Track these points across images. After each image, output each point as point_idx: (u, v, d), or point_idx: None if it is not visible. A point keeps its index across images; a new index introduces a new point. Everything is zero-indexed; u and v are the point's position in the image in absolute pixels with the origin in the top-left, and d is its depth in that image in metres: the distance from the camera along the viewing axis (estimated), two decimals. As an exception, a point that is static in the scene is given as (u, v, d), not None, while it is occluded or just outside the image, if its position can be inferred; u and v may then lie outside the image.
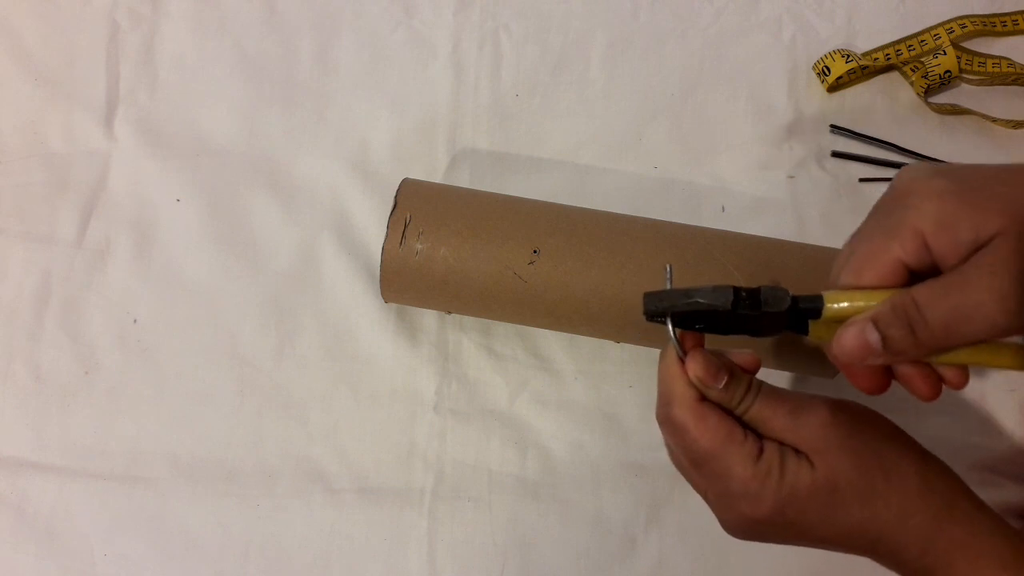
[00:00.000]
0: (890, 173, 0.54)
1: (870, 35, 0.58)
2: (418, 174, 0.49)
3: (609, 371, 0.50)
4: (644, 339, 0.47)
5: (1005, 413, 0.49)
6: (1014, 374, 0.50)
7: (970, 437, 0.49)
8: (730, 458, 0.31)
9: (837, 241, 0.49)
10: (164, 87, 0.56)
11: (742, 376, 0.32)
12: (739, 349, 0.34)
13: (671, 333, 0.32)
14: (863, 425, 0.33)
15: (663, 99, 0.57)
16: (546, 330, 0.50)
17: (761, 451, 0.31)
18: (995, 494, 0.48)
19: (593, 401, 0.50)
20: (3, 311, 0.51)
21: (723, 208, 0.54)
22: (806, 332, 0.31)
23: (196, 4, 0.58)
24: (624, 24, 0.58)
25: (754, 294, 0.31)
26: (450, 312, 0.49)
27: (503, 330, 0.51)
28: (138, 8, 0.58)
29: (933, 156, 0.54)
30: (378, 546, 0.47)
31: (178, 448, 0.48)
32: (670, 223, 0.46)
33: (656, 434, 0.49)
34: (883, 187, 0.54)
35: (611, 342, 0.50)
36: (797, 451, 0.31)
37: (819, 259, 0.45)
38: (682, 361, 0.32)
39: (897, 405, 0.50)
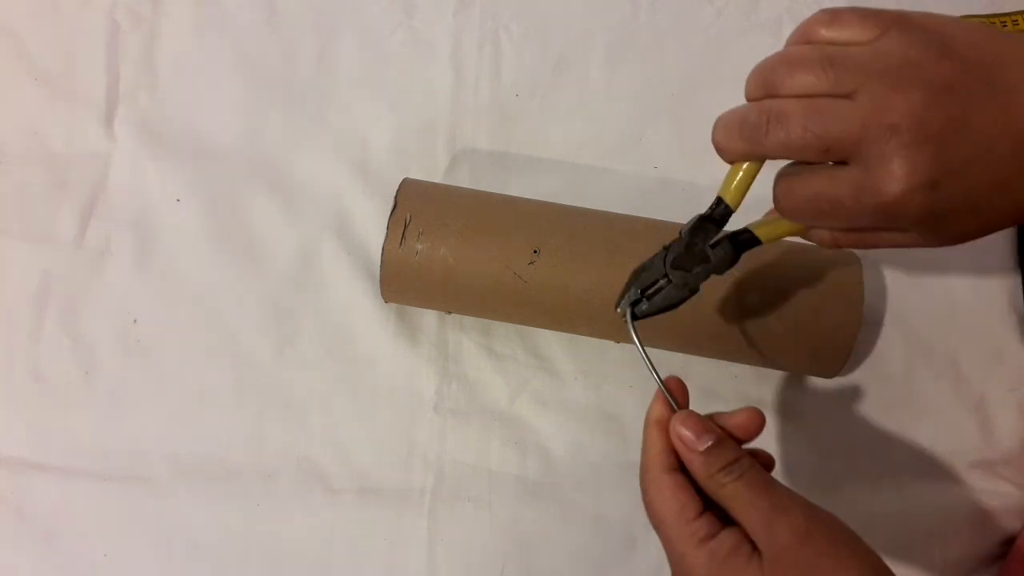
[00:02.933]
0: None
1: (870, 35, 0.58)
2: (418, 174, 0.49)
3: (609, 371, 0.50)
4: (644, 339, 0.47)
5: (1005, 413, 0.49)
6: (1014, 374, 0.50)
7: (970, 437, 0.49)
8: (674, 531, 0.31)
9: (837, 241, 0.49)
10: (164, 87, 0.56)
11: (728, 448, 0.31)
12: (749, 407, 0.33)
13: (633, 334, 0.34)
14: (837, 548, 0.29)
15: (663, 99, 0.57)
16: (546, 330, 0.50)
17: (712, 535, 0.30)
18: (995, 494, 0.48)
19: (593, 401, 0.50)
20: (3, 311, 0.51)
21: (723, 208, 0.54)
22: (759, 243, 0.33)
23: (196, 4, 0.58)
24: (624, 24, 0.58)
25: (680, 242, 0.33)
26: (450, 312, 0.49)
27: (503, 330, 0.51)
28: (138, 8, 0.58)
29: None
30: (378, 546, 0.47)
31: (178, 448, 0.48)
32: (670, 223, 0.46)
33: (656, 434, 0.49)
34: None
35: (611, 342, 0.50)
36: (755, 547, 0.30)
37: (819, 259, 0.45)
38: (672, 410, 0.33)
39: (897, 404, 0.50)
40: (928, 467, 0.49)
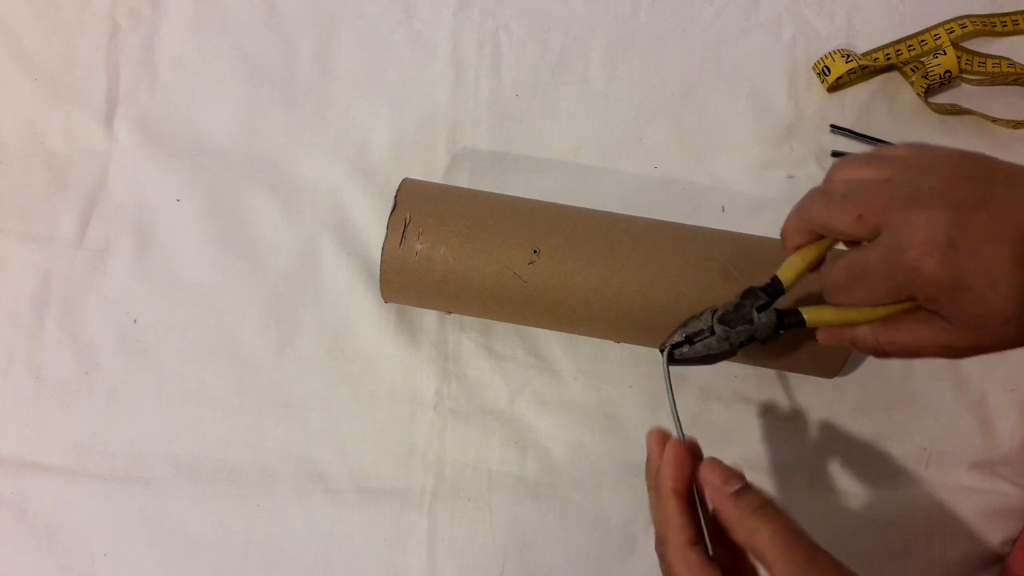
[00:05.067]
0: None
1: (870, 35, 0.58)
2: (418, 174, 0.49)
3: (609, 371, 0.50)
4: (644, 339, 0.47)
5: (1005, 413, 0.49)
6: (1014, 374, 0.50)
7: (970, 437, 0.49)
8: None
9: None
10: (164, 87, 0.56)
11: (755, 492, 0.31)
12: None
13: (665, 374, 0.36)
14: None
15: (663, 99, 0.57)
16: (546, 330, 0.50)
17: None
18: (995, 494, 0.48)
19: (593, 401, 0.50)
20: (3, 311, 0.51)
21: (723, 208, 0.54)
22: (803, 324, 0.35)
23: (196, 4, 0.58)
24: (624, 24, 0.58)
25: (733, 308, 0.36)
26: (450, 312, 0.49)
27: (503, 330, 0.51)
28: (138, 8, 0.58)
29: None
30: (378, 546, 0.47)
31: (178, 448, 0.48)
32: (670, 223, 0.46)
33: (656, 434, 0.49)
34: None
35: (611, 342, 0.50)
36: None
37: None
38: (684, 487, 0.33)
39: (897, 404, 0.50)
40: (928, 467, 0.49)
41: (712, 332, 0.36)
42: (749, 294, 0.36)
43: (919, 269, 0.29)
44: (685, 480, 0.33)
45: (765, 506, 0.31)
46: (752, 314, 0.35)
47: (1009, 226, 0.29)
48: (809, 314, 0.35)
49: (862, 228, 0.31)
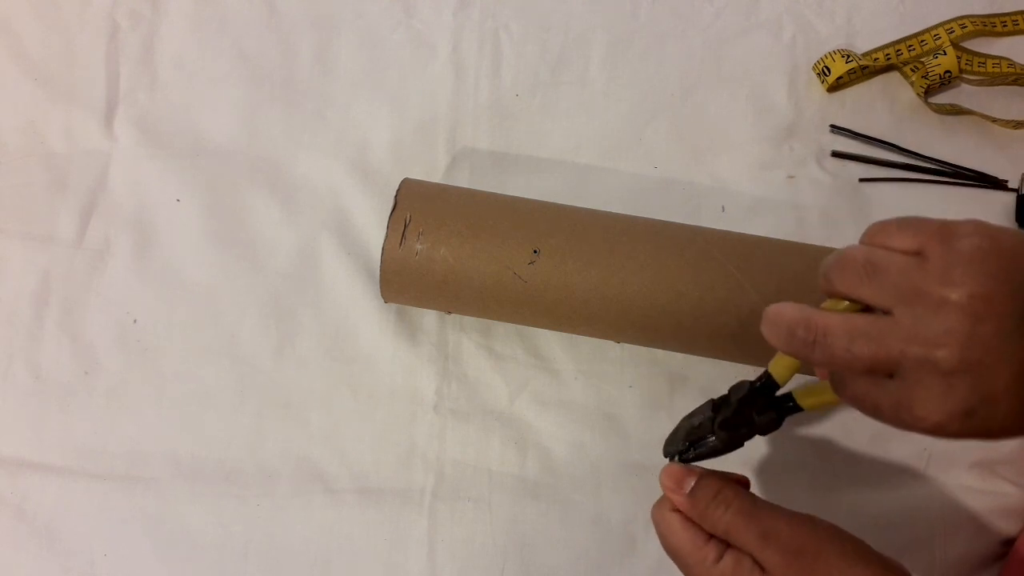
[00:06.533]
0: (890, 173, 0.54)
1: (870, 35, 0.58)
2: (418, 174, 0.49)
3: (609, 371, 0.50)
4: (644, 339, 0.47)
5: (1005, 413, 0.49)
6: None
7: (970, 437, 0.49)
8: (689, 559, 0.33)
9: (837, 241, 0.49)
10: (164, 87, 0.56)
11: (710, 481, 0.34)
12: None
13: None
14: (823, 549, 0.32)
15: (663, 99, 0.57)
16: (546, 330, 0.50)
17: (720, 557, 0.33)
18: (995, 494, 0.48)
19: (593, 401, 0.50)
20: (3, 311, 0.51)
21: (723, 208, 0.54)
22: (801, 409, 0.35)
23: (196, 4, 0.58)
24: (624, 24, 0.58)
25: (725, 399, 0.36)
26: (450, 312, 0.49)
27: (503, 330, 0.51)
28: (138, 8, 0.58)
29: (933, 156, 0.54)
30: (378, 546, 0.47)
31: (178, 448, 0.48)
32: (670, 223, 0.46)
33: (656, 433, 0.49)
34: (883, 187, 0.54)
35: (611, 342, 0.50)
36: (759, 565, 0.32)
37: (819, 259, 0.45)
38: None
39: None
40: (928, 467, 0.48)
41: (714, 436, 0.36)
42: (746, 398, 0.35)
43: (936, 432, 0.27)
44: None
45: (720, 491, 0.33)
46: (752, 416, 0.35)
47: None
48: (806, 400, 0.34)
49: (872, 372, 0.29)
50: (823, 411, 0.35)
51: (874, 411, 0.29)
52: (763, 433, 0.35)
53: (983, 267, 0.26)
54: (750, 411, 0.35)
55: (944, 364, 0.26)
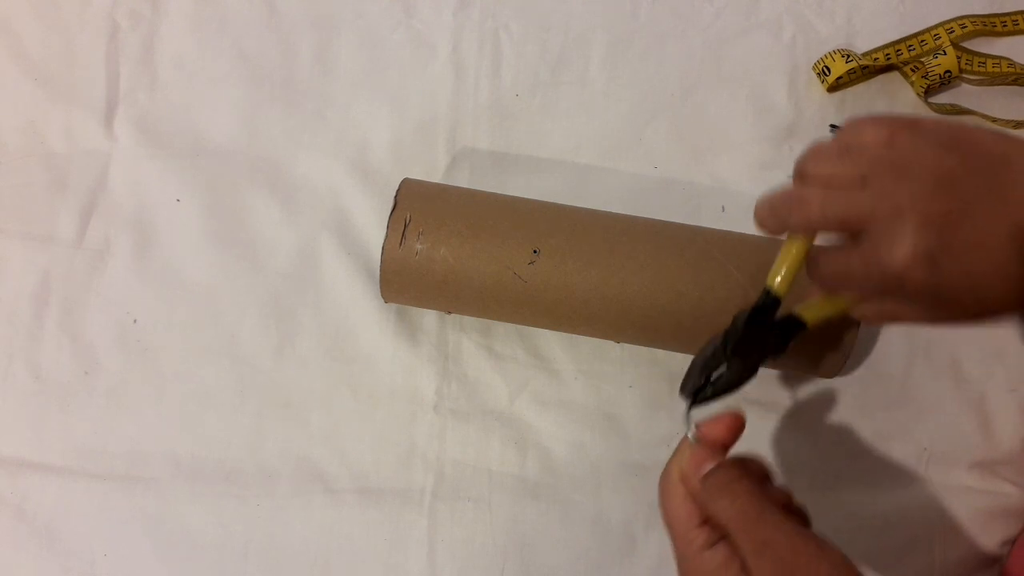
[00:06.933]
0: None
1: (870, 35, 0.58)
2: (418, 174, 0.49)
3: (609, 371, 0.50)
4: (644, 339, 0.47)
5: (1005, 413, 0.49)
6: (1014, 374, 0.50)
7: (970, 437, 0.49)
8: (679, 535, 0.33)
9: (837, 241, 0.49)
10: (164, 87, 0.56)
11: (725, 472, 0.33)
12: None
13: (687, 419, 0.36)
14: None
15: (663, 99, 0.57)
16: (546, 330, 0.50)
17: (709, 545, 0.32)
18: (995, 494, 0.48)
19: (593, 401, 0.50)
20: (3, 311, 0.51)
21: (723, 208, 0.54)
22: (805, 328, 0.36)
23: (196, 4, 0.58)
24: (624, 24, 0.58)
25: (733, 326, 0.36)
26: (450, 312, 0.49)
27: (503, 330, 0.51)
28: (138, 8, 0.58)
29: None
30: (378, 546, 0.47)
31: (178, 448, 0.48)
32: (670, 223, 0.46)
33: (656, 433, 0.49)
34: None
35: (611, 342, 0.50)
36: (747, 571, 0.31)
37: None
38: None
39: (897, 404, 0.50)
40: (928, 467, 0.49)
41: (729, 367, 0.36)
42: (751, 320, 0.36)
43: (900, 281, 0.30)
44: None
45: (732, 484, 0.32)
46: (761, 337, 0.36)
47: (990, 240, 0.29)
48: (807, 313, 0.36)
49: (843, 232, 0.32)
50: (823, 324, 0.36)
51: (846, 277, 0.32)
52: (774, 355, 0.36)
53: (949, 144, 0.30)
54: (758, 333, 0.36)
55: (910, 215, 0.29)
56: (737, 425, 0.35)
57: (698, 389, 0.36)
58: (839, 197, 0.31)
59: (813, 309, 0.36)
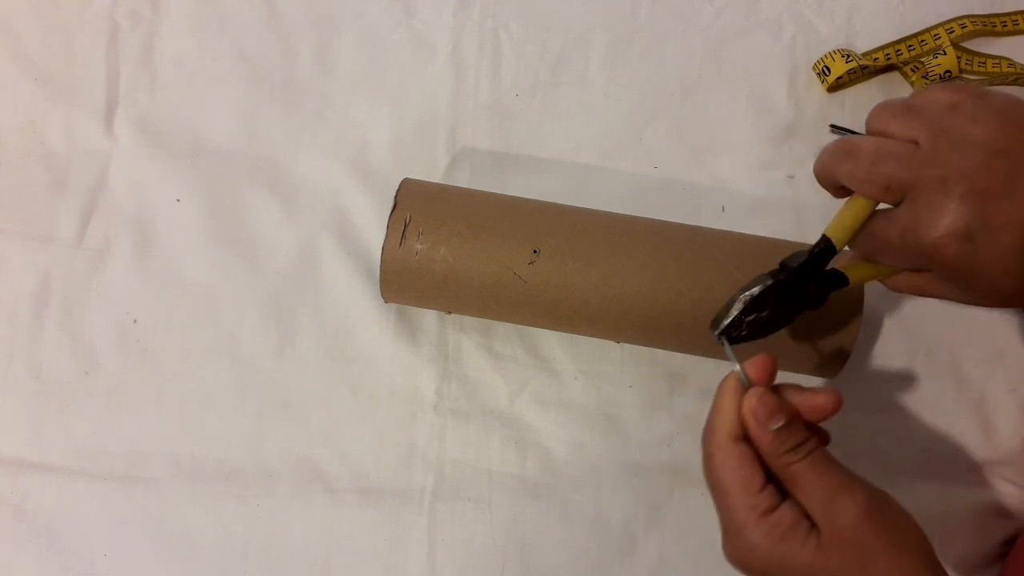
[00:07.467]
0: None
1: (870, 35, 0.58)
2: (418, 174, 0.49)
3: (609, 371, 0.50)
4: (644, 339, 0.47)
5: (1005, 413, 0.49)
6: (1014, 374, 0.50)
7: (970, 437, 0.49)
8: (737, 502, 0.31)
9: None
10: (164, 87, 0.56)
11: (797, 429, 0.32)
12: (821, 388, 0.34)
13: (729, 354, 0.35)
14: (894, 529, 0.31)
15: (663, 99, 0.57)
16: (546, 330, 0.50)
17: (774, 508, 0.31)
18: (995, 494, 0.48)
19: (593, 401, 0.50)
20: (3, 311, 0.51)
21: (723, 208, 0.54)
22: (847, 283, 0.35)
23: (196, 4, 0.58)
24: (624, 24, 0.58)
25: (783, 267, 0.35)
26: (450, 312, 0.49)
27: (503, 330, 0.51)
28: (138, 8, 0.58)
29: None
30: (378, 546, 0.47)
31: (178, 448, 0.48)
32: (670, 223, 0.46)
33: (656, 433, 0.49)
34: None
35: (611, 342, 0.50)
36: (813, 524, 0.31)
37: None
38: (744, 389, 0.33)
39: (897, 404, 0.50)
40: (928, 467, 0.49)
41: (766, 311, 0.35)
42: (807, 264, 0.35)
43: (936, 254, 0.30)
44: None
45: (803, 443, 0.32)
46: (805, 286, 0.35)
47: None
48: (850, 273, 0.35)
49: (888, 197, 0.31)
50: (864, 283, 0.37)
51: (884, 244, 0.32)
52: (813, 307, 0.36)
53: (1010, 116, 0.30)
54: (805, 280, 0.35)
55: (954, 187, 0.29)
56: (774, 369, 0.33)
57: (731, 326, 0.35)
58: (890, 155, 0.31)
59: (855, 270, 0.36)
